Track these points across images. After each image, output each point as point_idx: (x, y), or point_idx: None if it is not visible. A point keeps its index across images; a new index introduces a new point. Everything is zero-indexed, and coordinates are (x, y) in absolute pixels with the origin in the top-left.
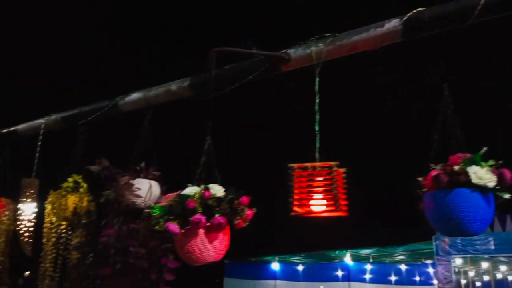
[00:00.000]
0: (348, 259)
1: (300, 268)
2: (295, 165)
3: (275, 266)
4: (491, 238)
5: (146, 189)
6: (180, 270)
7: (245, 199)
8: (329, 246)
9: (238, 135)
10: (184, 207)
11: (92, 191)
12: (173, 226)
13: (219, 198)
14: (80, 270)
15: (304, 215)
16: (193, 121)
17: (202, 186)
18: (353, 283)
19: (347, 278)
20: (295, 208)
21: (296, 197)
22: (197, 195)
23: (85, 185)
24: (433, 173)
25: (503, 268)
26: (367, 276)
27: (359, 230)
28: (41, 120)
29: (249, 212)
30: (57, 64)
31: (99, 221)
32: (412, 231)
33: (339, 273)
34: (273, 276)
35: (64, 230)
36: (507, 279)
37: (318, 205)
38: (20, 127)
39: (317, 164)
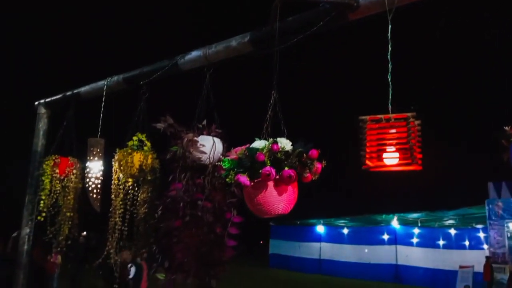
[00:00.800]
0: (395, 223)
1: (345, 231)
2: (367, 117)
3: (320, 229)
4: None
5: (210, 145)
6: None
7: (314, 153)
8: (376, 210)
9: (304, 88)
10: (253, 160)
11: (156, 149)
12: (244, 178)
13: (287, 151)
14: (149, 223)
15: (376, 169)
16: (257, 76)
17: (270, 139)
18: (399, 247)
19: (394, 241)
20: (367, 162)
21: (368, 150)
22: (265, 149)
23: (149, 143)
24: None
25: None
26: (415, 240)
27: (408, 194)
28: (104, 82)
29: (318, 166)
30: (117, 27)
31: (164, 177)
32: (464, 195)
33: (385, 236)
34: (318, 238)
35: (131, 187)
36: None
37: (391, 158)
38: (83, 89)
39: (392, 115)
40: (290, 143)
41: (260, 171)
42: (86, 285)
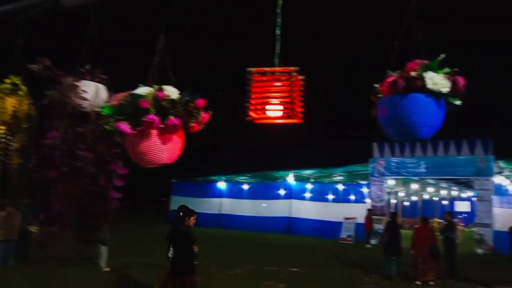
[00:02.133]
0: (291, 179)
1: (246, 187)
2: (253, 69)
3: (222, 185)
4: (423, 162)
5: (92, 91)
6: (125, 188)
7: (201, 102)
8: (274, 167)
9: (195, 35)
10: (136, 107)
11: (33, 95)
12: (124, 126)
13: (173, 100)
14: (23, 174)
15: (260, 121)
16: (146, 18)
17: (156, 86)
18: (294, 201)
19: (289, 196)
20: (251, 113)
21: (252, 102)
22: (150, 96)
23: (24, 88)
24: (390, 79)
25: (430, 189)
26: (307, 195)
27: (302, 152)
28: None
29: (205, 115)
30: None
31: (41, 125)
32: (351, 154)
33: (282, 191)
34: (219, 194)
35: (4, 135)
36: (432, 199)
37: (274, 110)
38: None
39: (277, 69)
40: (177, 92)
41: (143, 118)
42: None
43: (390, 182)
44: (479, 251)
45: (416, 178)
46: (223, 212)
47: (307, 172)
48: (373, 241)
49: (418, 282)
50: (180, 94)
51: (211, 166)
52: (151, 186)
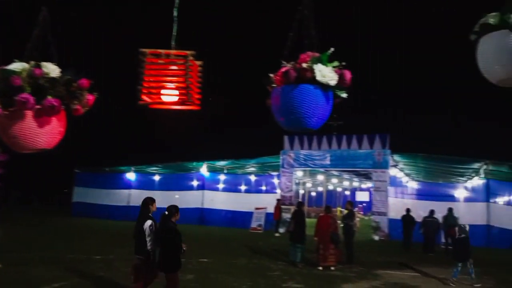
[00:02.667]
0: (204, 170)
1: (157, 178)
2: (147, 50)
3: (131, 176)
4: (328, 154)
5: None
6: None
7: (85, 82)
8: (187, 158)
9: (83, 11)
10: (7, 84)
11: None
12: None
13: (53, 78)
14: None
15: (154, 106)
16: None
17: (32, 62)
18: (206, 192)
19: (202, 187)
20: (144, 97)
21: (146, 85)
22: (24, 72)
23: None
24: (283, 69)
25: (334, 180)
26: (220, 186)
27: (216, 143)
28: None
29: (90, 97)
30: None
31: None
32: (263, 146)
33: (195, 183)
34: (127, 185)
35: None
36: (336, 190)
37: (170, 95)
38: None
39: (172, 51)
40: (58, 70)
41: (15, 97)
42: None
43: (299, 173)
44: (376, 237)
45: (322, 169)
46: (132, 204)
47: (221, 163)
48: (281, 230)
49: (320, 267)
50: (61, 72)
51: (120, 156)
52: (52, 176)
